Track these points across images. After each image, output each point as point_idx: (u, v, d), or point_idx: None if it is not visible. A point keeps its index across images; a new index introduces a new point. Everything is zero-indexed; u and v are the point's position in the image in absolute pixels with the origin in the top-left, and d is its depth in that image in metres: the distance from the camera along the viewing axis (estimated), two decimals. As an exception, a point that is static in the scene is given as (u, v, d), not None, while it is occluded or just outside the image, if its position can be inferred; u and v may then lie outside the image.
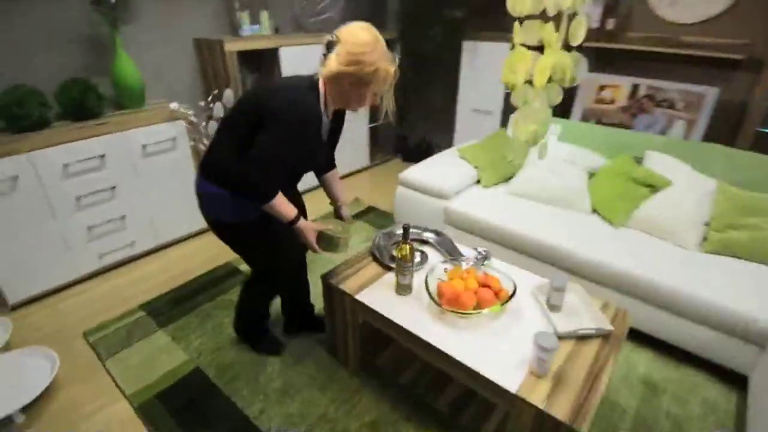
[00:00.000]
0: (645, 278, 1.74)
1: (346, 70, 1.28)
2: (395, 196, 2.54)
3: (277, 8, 3.08)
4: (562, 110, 3.23)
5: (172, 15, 2.61)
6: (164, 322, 2.02)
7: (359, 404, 1.59)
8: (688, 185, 2.00)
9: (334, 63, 1.29)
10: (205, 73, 2.81)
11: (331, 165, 1.72)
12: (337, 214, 1.73)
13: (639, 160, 2.23)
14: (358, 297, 1.50)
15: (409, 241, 1.43)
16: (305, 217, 1.70)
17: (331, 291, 1.60)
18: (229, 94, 2.49)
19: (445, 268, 1.56)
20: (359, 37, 1.26)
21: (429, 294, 1.40)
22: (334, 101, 1.41)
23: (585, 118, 3.05)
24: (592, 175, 2.29)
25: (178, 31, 2.67)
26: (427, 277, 1.47)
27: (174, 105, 2.39)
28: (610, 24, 2.86)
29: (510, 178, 2.48)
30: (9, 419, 1.51)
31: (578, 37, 1.17)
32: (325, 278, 1.60)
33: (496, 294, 1.43)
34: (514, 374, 1.19)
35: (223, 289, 2.23)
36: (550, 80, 1.22)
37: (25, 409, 1.56)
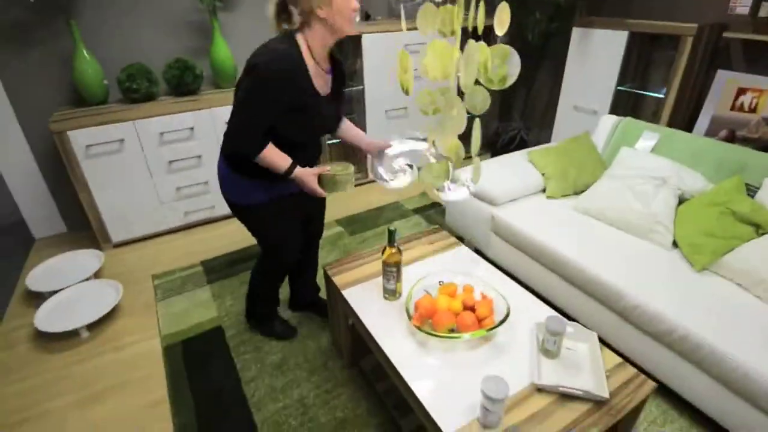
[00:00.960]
0: (713, 346, 1.33)
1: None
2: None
3: (371, -6, 3.10)
4: (685, 117, 2.64)
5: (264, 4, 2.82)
6: (213, 280, 2.27)
7: (338, 398, 1.59)
8: (818, 232, 1.48)
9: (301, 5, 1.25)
10: (295, 57, 2.99)
11: (341, 117, 1.62)
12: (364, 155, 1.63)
13: (754, 190, 1.71)
14: (344, 292, 1.48)
15: (395, 245, 1.35)
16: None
17: (329, 282, 1.61)
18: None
19: (440, 281, 1.44)
20: None
21: (406, 307, 1.31)
22: (324, 39, 1.30)
23: (714, 129, 2.44)
24: (684, 201, 1.83)
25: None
26: (413, 287, 1.38)
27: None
28: (765, 10, 2.20)
29: (584, 190, 2.14)
30: (76, 332, 1.89)
31: (504, 23, 0.92)
32: (326, 268, 1.61)
33: (480, 321, 1.27)
34: (457, 418, 1.05)
35: (269, 260, 2.42)
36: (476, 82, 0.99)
37: (90, 327, 1.92)
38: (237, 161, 1.43)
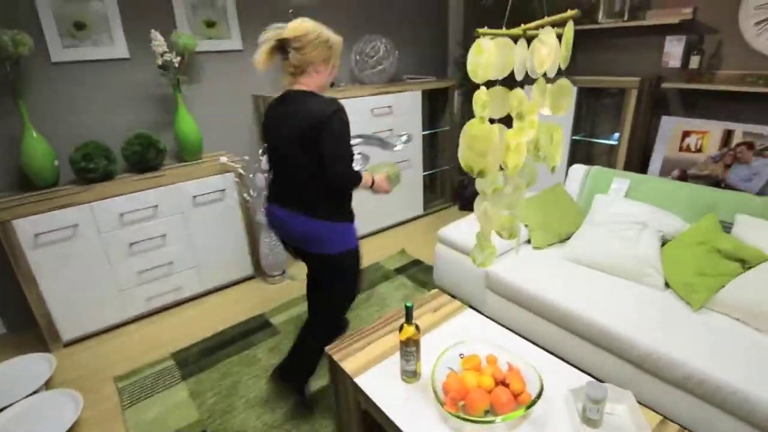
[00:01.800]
0: (728, 384, 1.34)
1: (322, 56, 1.48)
2: (434, 255, 2.36)
3: (333, 62, 3.17)
4: (639, 161, 2.85)
5: (232, 75, 2.80)
6: (188, 374, 2.02)
7: (358, 503, 1.39)
8: (797, 263, 1.57)
9: (304, 57, 1.46)
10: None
11: None
12: None
13: (728, 226, 1.82)
14: (358, 380, 1.34)
15: (413, 322, 1.26)
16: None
17: (334, 368, 1.46)
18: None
19: (461, 354, 1.35)
20: (305, 26, 1.44)
21: (434, 390, 1.20)
22: (319, 87, 1.54)
23: (666, 169, 2.64)
24: (666, 242, 1.91)
25: (238, 89, 2.85)
26: (435, 366, 1.27)
27: (223, 159, 2.51)
28: (694, 62, 2.48)
29: (567, 238, 2.18)
30: (26, 465, 1.56)
31: (563, 107, 0.94)
32: (329, 352, 1.47)
33: (516, 396, 1.18)
34: None
35: (251, 342, 2.20)
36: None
37: (43, 456, 1.61)
38: (336, 207, 1.56)
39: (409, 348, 1.27)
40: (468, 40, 3.65)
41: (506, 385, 1.20)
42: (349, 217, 1.61)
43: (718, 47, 2.49)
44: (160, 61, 2.36)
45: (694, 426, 1.46)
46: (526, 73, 0.90)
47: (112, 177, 2.33)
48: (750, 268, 1.64)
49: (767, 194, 2.28)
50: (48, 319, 2.18)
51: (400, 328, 1.27)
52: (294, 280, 2.79)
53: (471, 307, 2.19)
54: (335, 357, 1.44)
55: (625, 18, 2.71)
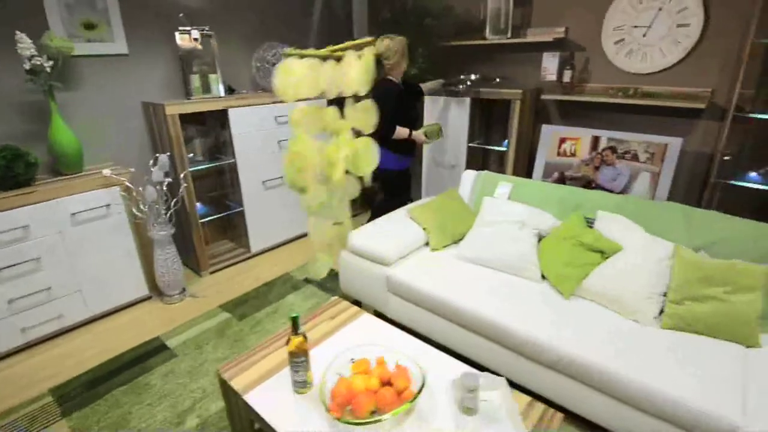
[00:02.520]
0: (589, 362, 1.53)
1: (396, 58, 2.54)
2: (340, 262, 2.39)
3: (233, 71, 3.08)
4: (526, 165, 3.13)
5: (118, 81, 2.61)
6: (69, 410, 1.83)
7: None
8: (641, 251, 1.83)
9: (392, 59, 2.53)
10: (153, 136, 2.77)
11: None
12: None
13: (591, 222, 2.07)
14: (247, 397, 1.32)
15: (300, 332, 1.27)
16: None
17: (223, 385, 1.42)
18: (163, 160, 2.42)
19: (351, 359, 1.38)
20: (386, 43, 2.50)
21: (322, 398, 1.22)
22: (399, 75, 2.62)
23: (548, 172, 2.93)
24: (542, 238, 2.13)
25: (125, 95, 2.66)
26: (325, 373, 1.30)
27: (107, 171, 2.32)
28: (567, 76, 2.79)
29: (461, 239, 2.33)
30: None
31: (369, 126, 1.03)
32: (220, 371, 1.42)
33: (400, 394, 1.24)
34: None
35: (144, 368, 2.05)
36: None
37: None
38: (391, 144, 2.59)
39: (298, 359, 1.28)
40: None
41: (391, 384, 1.26)
42: (399, 151, 2.66)
43: (587, 63, 2.83)
44: (28, 66, 2.13)
45: (569, 403, 1.64)
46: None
47: (-31, 196, 2.04)
48: (607, 257, 1.88)
49: (628, 192, 2.63)
50: None
51: (288, 341, 1.27)
52: (196, 298, 2.65)
53: (376, 311, 2.26)
54: (224, 375, 1.40)
55: (509, 35, 2.97)
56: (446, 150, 3.29)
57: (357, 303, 2.26)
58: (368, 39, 0.86)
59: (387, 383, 1.27)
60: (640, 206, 2.04)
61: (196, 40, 2.67)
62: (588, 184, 2.78)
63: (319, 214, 1.05)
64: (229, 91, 2.99)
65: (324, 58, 0.91)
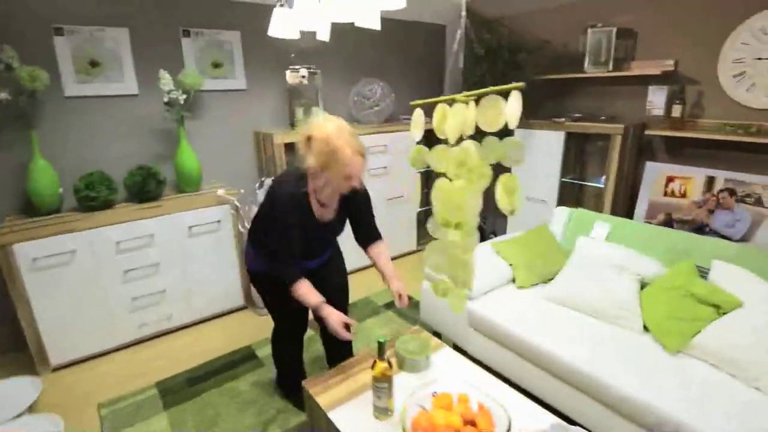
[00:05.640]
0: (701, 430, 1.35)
1: (319, 161, 1.43)
2: (421, 292, 2.39)
3: (332, 104, 3.32)
4: (626, 204, 2.91)
5: (235, 112, 2.95)
6: (170, 404, 2.03)
7: None
8: (764, 307, 1.59)
9: (311, 158, 1.44)
10: (261, 162, 3.07)
11: (373, 238, 1.80)
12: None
13: (705, 271, 1.85)
14: (330, 414, 1.36)
15: (385, 357, 1.29)
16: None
17: (309, 401, 1.48)
18: (268, 183, 2.65)
19: (434, 392, 1.37)
20: (324, 128, 1.42)
21: (402, 427, 1.22)
22: (325, 189, 1.55)
23: (652, 213, 2.70)
24: (645, 285, 1.94)
25: (240, 124, 2.99)
26: (406, 404, 1.30)
27: (221, 191, 2.61)
28: (677, 111, 2.59)
29: (550, 279, 2.22)
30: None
31: (520, 160, 1.03)
32: (306, 385, 1.49)
33: (482, 436, 1.20)
34: None
35: (235, 374, 2.21)
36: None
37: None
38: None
39: (381, 384, 1.30)
40: (456, 87, 3.82)
41: (474, 425, 1.22)
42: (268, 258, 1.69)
43: (699, 97, 2.61)
44: (166, 98, 2.51)
45: (669, 474, 1.45)
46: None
47: (112, 206, 2.42)
48: (725, 313, 1.66)
49: (749, 240, 2.32)
50: (38, 343, 2.22)
51: (373, 365, 1.30)
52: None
53: (455, 346, 2.21)
54: (311, 391, 1.46)
55: (610, 68, 2.84)
56: (536, 183, 3.18)
57: (437, 335, 2.24)
58: (516, 85, 0.92)
59: (470, 423, 1.24)
60: (762, 258, 1.79)
61: (303, 77, 2.93)
62: (700, 228, 2.51)
63: (460, 248, 1.11)
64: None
65: (466, 102, 1.00)
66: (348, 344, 1.95)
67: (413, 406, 1.31)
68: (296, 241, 1.55)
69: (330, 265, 1.86)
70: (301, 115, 3.04)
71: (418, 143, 1.29)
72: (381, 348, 1.29)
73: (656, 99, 2.72)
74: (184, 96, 2.55)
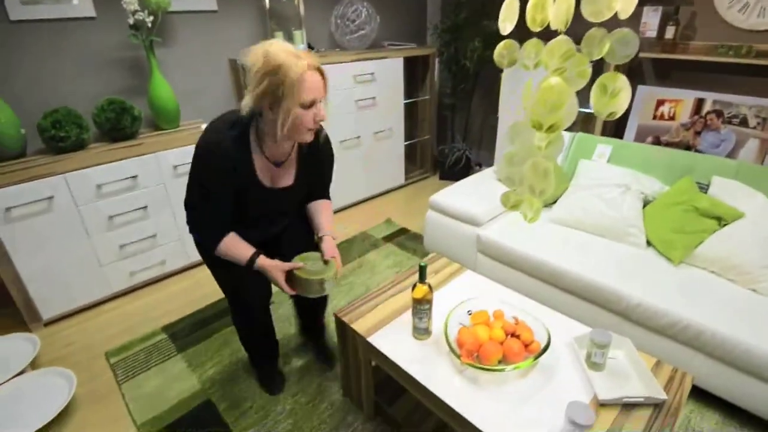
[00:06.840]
0: (708, 328, 1.47)
1: (259, 90, 1.10)
2: (425, 221, 2.39)
3: (313, 27, 3.06)
4: (614, 128, 2.96)
5: (208, 38, 2.65)
6: (183, 347, 1.98)
7: (371, 456, 1.45)
8: (765, 218, 1.71)
9: (248, 96, 1.13)
10: (240, 93, 2.83)
11: (321, 197, 1.54)
12: (318, 248, 1.44)
13: (704, 187, 1.94)
14: (370, 339, 1.37)
15: (425, 281, 1.29)
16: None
17: (343, 329, 1.48)
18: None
19: (468, 310, 1.40)
20: (258, 48, 1.11)
21: (448, 344, 1.25)
22: (274, 137, 1.21)
23: (640, 136, 2.76)
24: (647, 203, 2.02)
25: (214, 52, 2.71)
26: (446, 322, 1.32)
27: (205, 126, 2.40)
28: (670, 32, 2.57)
29: (553, 203, 2.26)
30: (23, 443, 1.51)
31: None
32: (338, 315, 1.48)
33: (526, 346, 1.25)
34: (540, 451, 1.01)
35: (245, 313, 2.18)
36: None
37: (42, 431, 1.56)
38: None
39: (423, 306, 1.31)
40: (447, 7, 3.61)
41: (516, 336, 1.27)
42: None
43: (692, 18, 2.59)
44: (131, 20, 2.20)
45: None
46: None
47: (84, 146, 2.18)
48: (726, 225, 1.77)
49: (734, 159, 2.44)
50: (25, 298, 2.07)
51: (413, 287, 1.29)
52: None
53: (463, 270, 2.26)
54: (345, 319, 1.46)
55: (605, -14, 2.74)
56: (523, 111, 3.16)
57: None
58: None
59: (511, 335, 1.28)
60: (758, 173, 1.89)
61: (283, -5, 2.65)
62: (687, 149, 2.60)
63: (543, 154, 1.06)
64: (309, 48, 2.98)
65: None
66: (323, 301, 1.74)
67: (453, 325, 1.34)
68: (224, 212, 1.26)
69: (289, 233, 1.54)
70: (280, 38, 2.78)
71: (505, 38, 1.14)
72: (422, 272, 1.28)
73: (650, 20, 2.68)
74: (151, 18, 2.25)
